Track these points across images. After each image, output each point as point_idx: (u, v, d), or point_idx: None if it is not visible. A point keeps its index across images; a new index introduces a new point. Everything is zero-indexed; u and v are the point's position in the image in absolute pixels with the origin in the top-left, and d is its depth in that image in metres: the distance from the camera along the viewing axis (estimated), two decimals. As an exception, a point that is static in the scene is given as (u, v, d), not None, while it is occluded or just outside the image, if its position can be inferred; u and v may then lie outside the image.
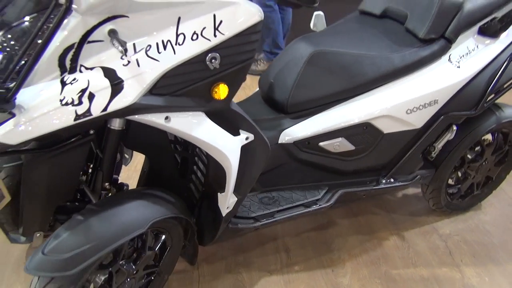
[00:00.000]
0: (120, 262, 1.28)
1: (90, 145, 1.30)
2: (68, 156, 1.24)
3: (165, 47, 1.06)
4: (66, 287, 1.10)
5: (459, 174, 2.02)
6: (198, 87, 1.14)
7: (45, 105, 1.02)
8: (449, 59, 1.61)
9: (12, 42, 1.10)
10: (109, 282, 1.28)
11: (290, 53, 1.61)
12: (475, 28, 1.65)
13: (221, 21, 1.09)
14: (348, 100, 1.56)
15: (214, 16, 1.08)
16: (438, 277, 1.79)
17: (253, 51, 1.16)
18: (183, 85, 1.12)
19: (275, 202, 1.57)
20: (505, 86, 1.69)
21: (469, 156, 1.94)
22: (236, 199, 1.39)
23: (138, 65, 1.05)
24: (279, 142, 1.55)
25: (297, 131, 1.55)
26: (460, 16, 1.58)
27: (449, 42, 1.60)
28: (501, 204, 2.24)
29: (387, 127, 1.60)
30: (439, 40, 1.59)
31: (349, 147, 1.60)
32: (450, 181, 2.04)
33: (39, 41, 0.96)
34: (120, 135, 1.31)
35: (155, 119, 1.12)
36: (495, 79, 1.64)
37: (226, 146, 1.26)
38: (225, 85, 1.17)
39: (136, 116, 1.11)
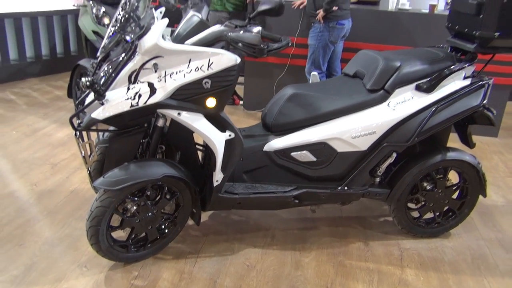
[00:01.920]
0: (147, 201, 2.14)
1: (143, 134, 2.24)
2: (131, 137, 2.19)
3: (180, 74, 1.99)
4: (112, 198, 2.00)
5: (421, 200, 2.55)
6: (198, 98, 2.03)
7: (118, 99, 2.00)
8: (388, 104, 2.29)
9: (111, 69, 2.13)
10: (137, 211, 2.14)
11: (280, 93, 2.44)
12: (413, 85, 2.32)
13: (212, 62, 1.99)
14: (312, 125, 2.32)
15: (209, 59, 2.00)
16: (381, 270, 2.32)
17: (231, 80, 2.03)
18: (189, 95, 2.02)
19: (255, 189, 2.33)
20: (431, 128, 2.30)
21: (424, 185, 2.48)
22: (223, 175, 2.20)
23: (165, 82, 1.99)
24: (264, 149, 2.34)
25: (276, 143, 2.33)
26: (396, 76, 2.28)
27: (388, 93, 2.29)
28: (468, 238, 2.67)
29: (339, 147, 2.30)
30: (380, 91, 2.30)
31: (312, 158, 2.32)
32: (413, 206, 2.58)
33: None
34: (161, 131, 2.23)
35: (172, 113, 2.03)
36: (423, 123, 2.27)
37: (215, 137, 2.11)
38: (215, 99, 2.05)
39: (163, 110, 2.03)
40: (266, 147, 2.34)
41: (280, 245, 2.49)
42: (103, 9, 3.96)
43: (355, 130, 2.28)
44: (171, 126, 2.25)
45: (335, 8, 3.80)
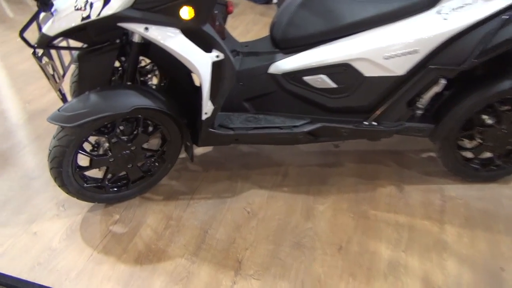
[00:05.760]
0: (120, 138, 1.75)
1: (117, 51, 1.78)
2: (102, 55, 1.75)
3: (142, -27, 1.46)
4: (69, 136, 1.62)
5: (476, 138, 1.97)
6: (169, 7, 1.50)
7: (67, 9, 1.53)
8: (439, 11, 1.63)
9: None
10: (109, 149, 1.77)
11: (293, -4, 1.83)
12: (480, -19, 1.62)
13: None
14: (332, 41, 1.73)
15: None
16: (413, 226, 1.86)
17: None
18: (157, 4, 1.49)
19: (257, 122, 1.85)
20: (499, 45, 1.62)
21: (483, 119, 1.88)
22: (213, 107, 1.74)
23: (123, -15, 1.47)
24: (269, 71, 1.82)
25: (284, 64, 1.79)
26: (457, -32, 1.59)
27: (440, -6, 1.63)
28: (537, 184, 2.09)
29: (367, 71, 1.72)
30: (431, -10, 1.63)
31: (331, 84, 1.78)
32: (469, 145, 2.01)
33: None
34: (140, 47, 1.75)
35: (137, 28, 1.53)
36: (488, 37, 1.60)
37: (197, 59, 1.61)
38: (191, 8, 1.51)
39: (125, 24, 1.53)
40: (272, 69, 1.81)
41: (291, 187, 2.07)
42: None
43: (389, 48, 1.67)
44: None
45: None
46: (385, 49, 1.67)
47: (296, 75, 1.79)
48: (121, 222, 1.88)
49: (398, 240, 1.80)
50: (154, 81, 2.33)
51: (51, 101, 2.68)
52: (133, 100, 1.66)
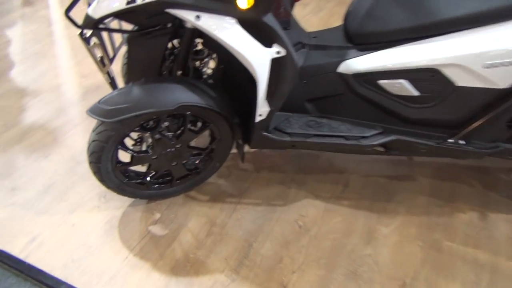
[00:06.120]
0: (165, 135, 1.58)
1: (169, 35, 1.59)
2: (152, 40, 1.58)
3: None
4: (109, 131, 1.47)
5: None
6: (224, -7, 1.27)
7: (112, -10, 1.35)
8: None
9: None
10: (152, 146, 1.61)
11: (374, -18, 1.53)
12: None
13: None
14: (418, 40, 1.42)
15: None
16: (496, 267, 1.55)
17: None
18: (210, -12, 1.27)
19: (318, 127, 1.60)
20: None
21: None
22: (269, 109, 1.51)
23: (173, -35, 1.26)
24: (338, 70, 1.55)
25: (357, 63, 1.51)
26: None
27: None
28: None
29: (459, 79, 1.40)
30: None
31: (413, 92, 1.48)
32: None
33: None
34: (193, 33, 1.55)
35: (187, 15, 1.32)
36: None
37: (253, 55, 1.37)
38: (251, -5, 1.27)
39: (174, 10, 1.33)
40: (342, 67, 1.54)
41: (352, 200, 1.81)
42: None
43: (492, 54, 1.33)
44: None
45: None
46: (486, 55, 1.33)
47: (370, 77, 1.51)
48: (161, 222, 1.74)
49: (475, 284, 1.51)
50: (211, 64, 2.13)
51: (107, 77, 2.57)
52: (180, 96, 1.47)
